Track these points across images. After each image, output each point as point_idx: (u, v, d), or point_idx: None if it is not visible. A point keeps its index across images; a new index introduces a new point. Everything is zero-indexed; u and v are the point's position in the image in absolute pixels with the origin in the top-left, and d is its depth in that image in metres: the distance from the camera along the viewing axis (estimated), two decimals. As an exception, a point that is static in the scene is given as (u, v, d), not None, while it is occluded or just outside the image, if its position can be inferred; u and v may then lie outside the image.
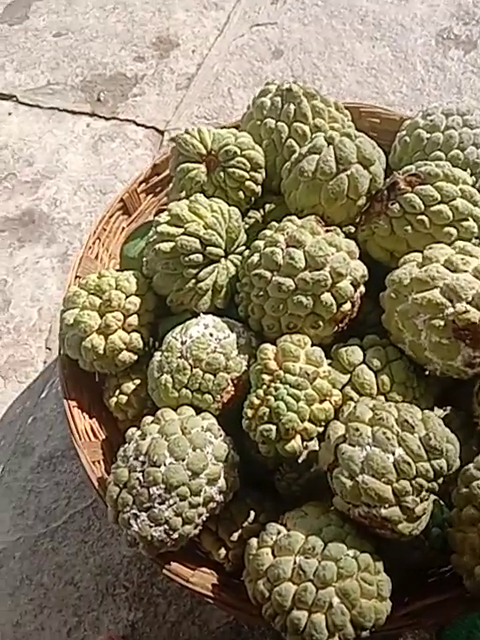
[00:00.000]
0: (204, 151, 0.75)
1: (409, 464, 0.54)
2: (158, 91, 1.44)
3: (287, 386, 0.59)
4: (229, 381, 0.65)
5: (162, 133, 1.37)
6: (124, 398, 0.73)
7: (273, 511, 0.67)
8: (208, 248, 0.67)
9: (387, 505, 0.54)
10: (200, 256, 0.67)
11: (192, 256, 0.66)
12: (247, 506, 0.67)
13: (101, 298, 0.71)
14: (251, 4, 1.55)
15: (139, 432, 0.62)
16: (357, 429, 0.56)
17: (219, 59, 1.46)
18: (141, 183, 0.91)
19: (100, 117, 1.42)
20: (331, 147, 0.69)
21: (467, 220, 0.68)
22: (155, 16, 1.58)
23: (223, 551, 0.67)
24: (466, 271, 0.61)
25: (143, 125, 1.39)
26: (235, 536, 0.66)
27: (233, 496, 0.65)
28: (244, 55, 1.46)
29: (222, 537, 0.67)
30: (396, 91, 1.33)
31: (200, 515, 0.60)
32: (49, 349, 1.13)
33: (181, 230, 0.66)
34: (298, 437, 0.59)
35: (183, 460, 0.58)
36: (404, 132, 0.83)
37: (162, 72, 1.47)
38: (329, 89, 1.35)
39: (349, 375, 0.65)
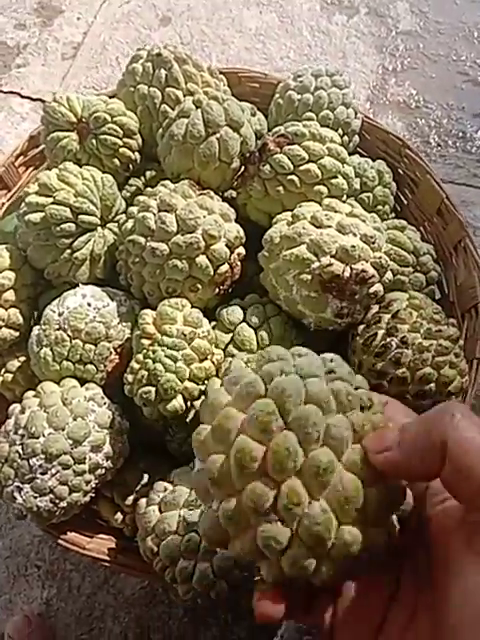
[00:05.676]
0: (74, 119, 0.73)
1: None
2: (43, 61, 1.38)
3: (164, 348, 0.60)
4: (112, 350, 0.66)
5: (50, 105, 1.32)
6: (10, 376, 0.71)
7: (167, 473, 0.68)
8: (80, 217, 0.66)
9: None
10: (72, 225, 0.66)
11: (64, 225, 0.65)
12: (140, 470, 0.69)
13: (-28, 276, 0.68)
14: (136, -31, 1.50)
15: (19, 407, 0.61)
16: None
17: (105, 27, 1.42)
18: (18, 156, 0.88)
19: (-18, 90, 1.35)
20: (199, 110, 0.69)
21: (336, 177, 0.71)
22: (35, -19, 1.51)
23: (120, 516, 0.68)
24: (330, 226, 0.63)
25: (29, 97, 1.33)
26: (130, 500, 0.67)
27: (125, 462, 0.66)
28: (131, 22, 1.42)
29: (118, 502, 0.68)
30: (284, 57, 1.34)
31: (88, 482, 0.60)
32: None
33: (50, 199, 0.65)
34: (179, 397, 0.60)
35: (63, 430, 0.58)
36: (277, 95, 0.84)
37: (46, 41, 1.41)
38: (218, 56, 1.35)
39: (231, 334, 0.67)
